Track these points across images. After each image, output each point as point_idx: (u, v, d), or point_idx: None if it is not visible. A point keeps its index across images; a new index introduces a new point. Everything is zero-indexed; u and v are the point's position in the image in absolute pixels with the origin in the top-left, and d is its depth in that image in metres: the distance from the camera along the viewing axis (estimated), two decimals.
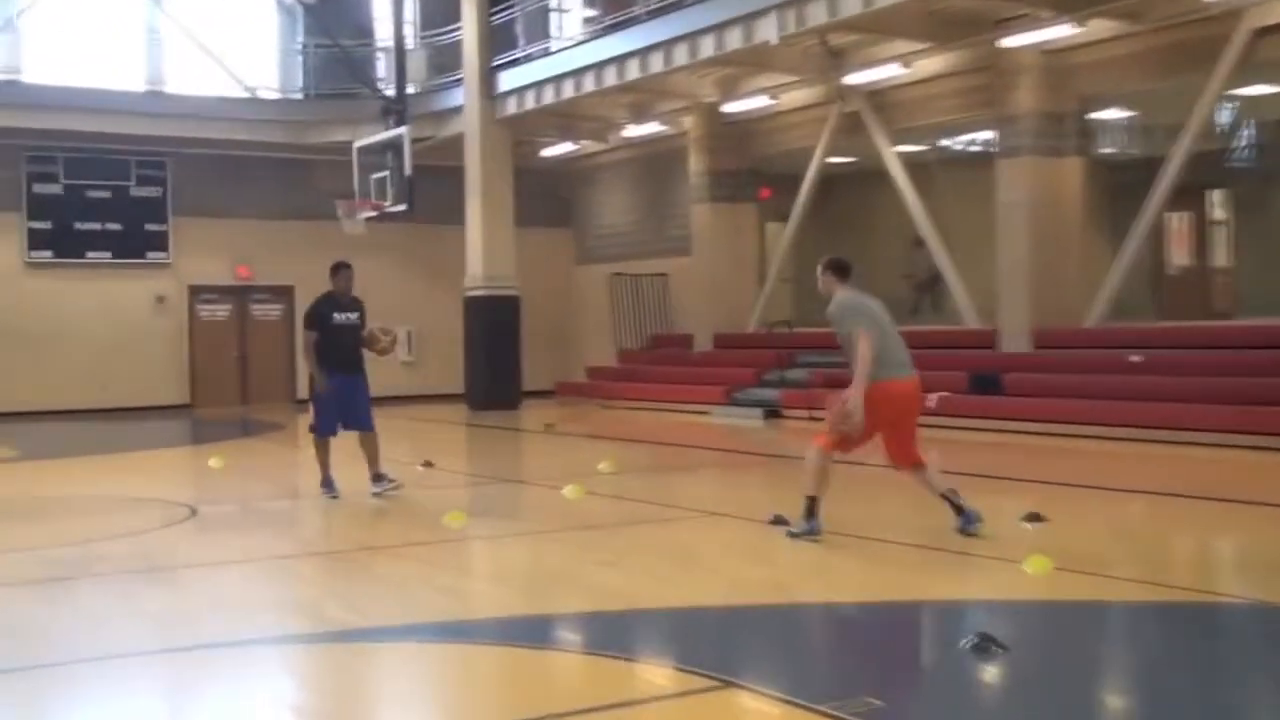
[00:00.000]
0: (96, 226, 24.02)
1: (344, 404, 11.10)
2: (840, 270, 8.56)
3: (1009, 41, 16.93)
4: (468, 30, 22.98)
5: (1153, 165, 16.84)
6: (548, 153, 25.40)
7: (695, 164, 23.36)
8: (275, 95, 25.44)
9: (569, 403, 23.95)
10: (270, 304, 25.41)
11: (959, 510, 8.37)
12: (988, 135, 19.09)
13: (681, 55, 18.73)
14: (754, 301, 22.71)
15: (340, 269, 11.31)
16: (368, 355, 11.34)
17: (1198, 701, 5.09)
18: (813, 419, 16.93)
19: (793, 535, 8.28)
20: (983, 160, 19.23)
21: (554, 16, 23.45)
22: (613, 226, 26.59)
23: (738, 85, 20.79)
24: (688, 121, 23.26)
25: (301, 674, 5.89)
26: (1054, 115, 17.59)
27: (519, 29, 22.89)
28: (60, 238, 23.76)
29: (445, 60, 24.45)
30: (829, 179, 21.68)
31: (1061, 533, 8.71)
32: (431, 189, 22.40)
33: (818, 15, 16.30)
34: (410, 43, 24.15)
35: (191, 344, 24.90)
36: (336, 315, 11.12)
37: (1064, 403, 15.79)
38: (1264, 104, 17.68)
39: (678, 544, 8.79)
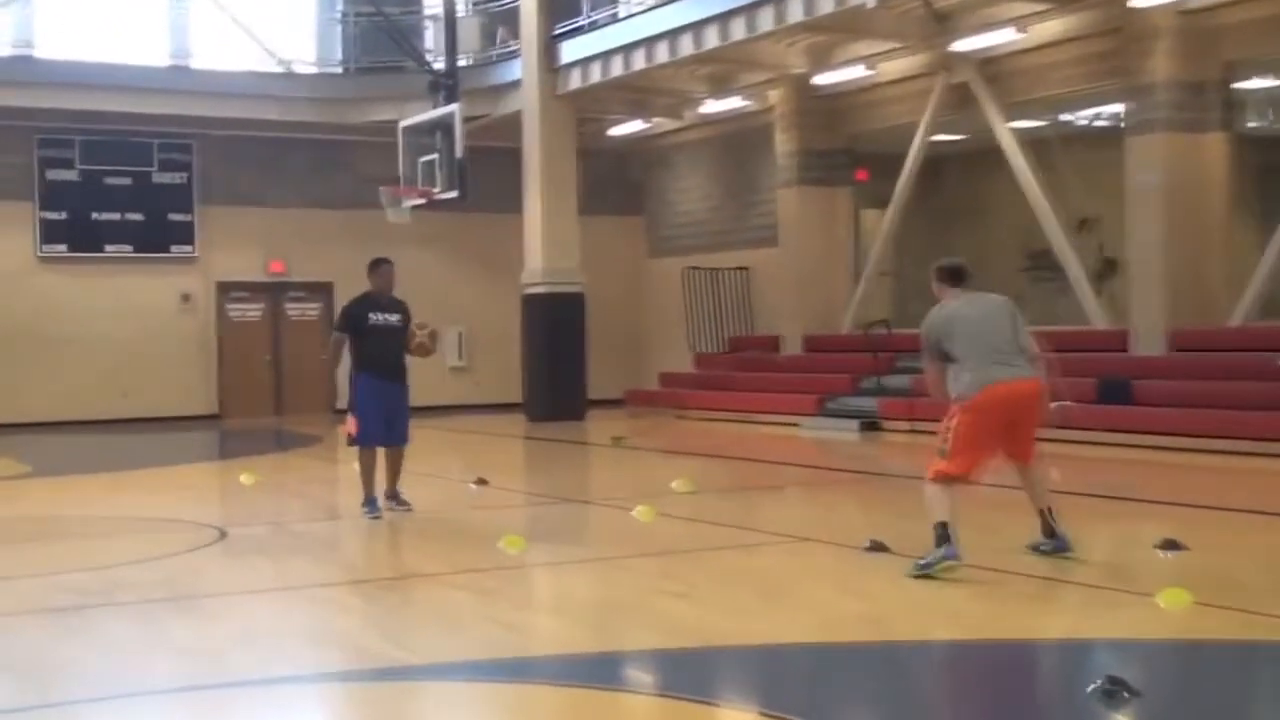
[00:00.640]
0: (115, 217, 24.42)
1: (386, 412, 11.22)
2: (949, 275, 8.57)
3: (1141, 0, 16.75)
4: None
5: None
6: (616, 132, 25.50)
7: (782, 143, 23.32)
8: (312, 70, 25.73)
9: (640, 413, 24.03)
10: (306, 303, 25.71)
11: (1051, 532, 8.46)
12: (1116, 109, 18.93)
13: (767, 20, 18.70)
14: (848, 299, 22.63)
15: (379, 265, 11.43)
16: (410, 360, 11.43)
17: None
18: (914, 432, 16.85)
19: (922, 567, 7.96)
20: (1111, 137, 19.06)
21: None
22: (689, 214, 26.62)
23: (830, 54, 20.73)
24: (774, 96, 23.24)
25: (340, 715, 5.96)
26: (1194, 85, 17.38)
27: None
28: (76, 230, 24.17)
29: (501, 29, 24.58)
30: (934, 159, 21.56)
31: (1201, 562, 8.62)
32: (486, 173, 22.56)
33: None
34: (462, 9, 24.28)
35: (220, 347, 25.24)
36: (373, 315, 11.22)
37: (1202, 413, 15.61)
38: None
39: (761, 573, 8.80)
